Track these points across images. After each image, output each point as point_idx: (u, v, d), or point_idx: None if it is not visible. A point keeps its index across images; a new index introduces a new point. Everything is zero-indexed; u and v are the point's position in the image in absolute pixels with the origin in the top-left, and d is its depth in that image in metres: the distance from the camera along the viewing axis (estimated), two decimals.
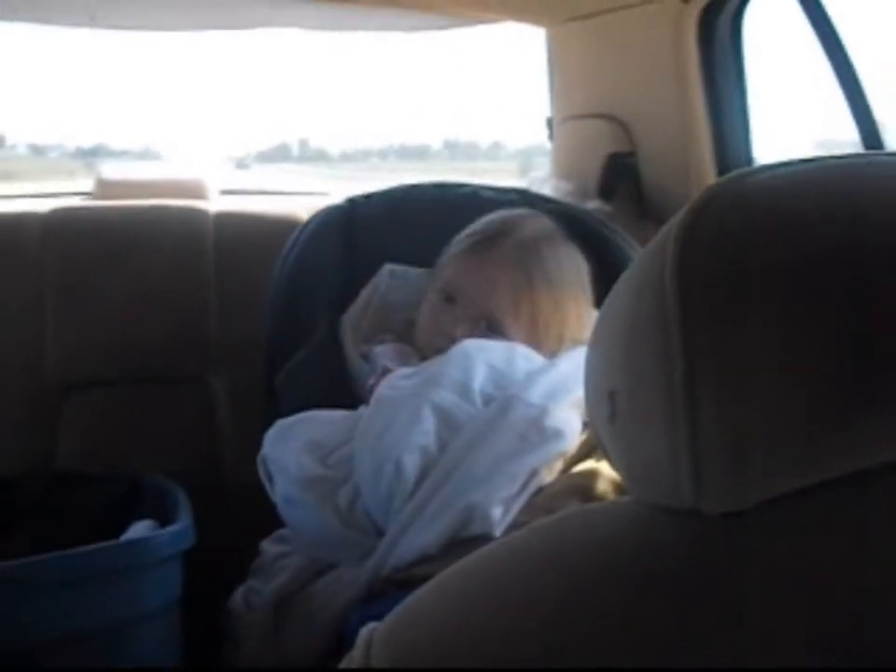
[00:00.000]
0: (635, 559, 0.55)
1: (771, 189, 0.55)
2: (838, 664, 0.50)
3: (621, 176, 2.01)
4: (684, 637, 0.51)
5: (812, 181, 0.56)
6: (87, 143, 3.59)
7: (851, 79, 1.52)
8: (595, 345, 0.61)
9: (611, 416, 0.58)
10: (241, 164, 3.53)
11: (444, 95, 3.52)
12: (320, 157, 4.06)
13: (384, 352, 1.46)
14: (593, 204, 1.95)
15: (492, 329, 1.43)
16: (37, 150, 3.66)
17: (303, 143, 4.05)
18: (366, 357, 1.48)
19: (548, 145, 2.30)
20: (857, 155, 0.60)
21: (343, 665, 0.57)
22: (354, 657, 0.56)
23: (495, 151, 3.94)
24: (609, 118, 2.04)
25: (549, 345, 1.44)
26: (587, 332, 1.43)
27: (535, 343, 1.43)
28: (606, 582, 0.54)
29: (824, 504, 0.54)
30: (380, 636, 0.57)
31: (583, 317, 1.46)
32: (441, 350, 1.39)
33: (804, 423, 0.51)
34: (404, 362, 1.43)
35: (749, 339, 0.51)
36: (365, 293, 1.56)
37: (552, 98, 2.28)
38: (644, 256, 0.56)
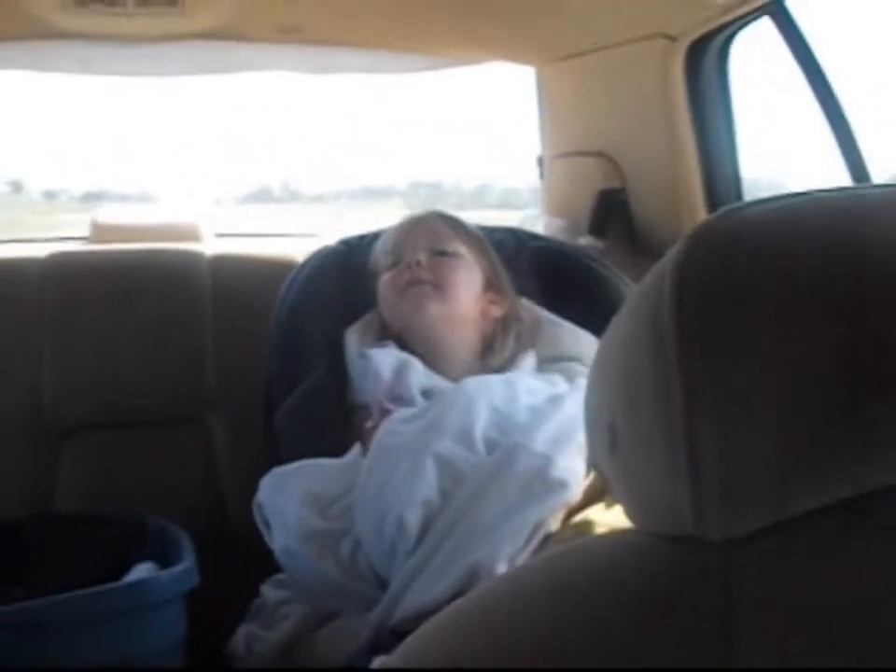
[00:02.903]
0: (633, 582, 0.56)
1: (765, 221, 0.56)
2: None
3: (612, 212, 2.03)
4: (676, 654, 0.52)
5: (805, 213, 0.57)
6: (92, 187, 3.67)
7: (837, 113, 1.54)
8: (594, 379, 0.62)
9: (612, 448, 0.59)
10: (219, 205, 3.62)
11: (413, 137, 3.63)
12: (296, 198, 4.10)
13: (381, 358, 1.47)
14: (585, 241, 1.97)
15: (443, 254, 1.52)
16: (49, 195, 3.78)
17: (285, 184, 4.10)
18: (364, 356, 1.50)
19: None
20: (847, 188, 0.61)
21: None
22: None
23: (457, 192, 4.04)
24: (599, 155, 2.07)
25: (503, 289, 1.56)
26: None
27: (485, 267, 1.56)
28: (604, 604, 0.55)
29: (818, 529, 0.54)
30: (392, 663, 0.58)
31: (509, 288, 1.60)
32: (408, 311, 1.50)
33: (802, 453, 0.52)
34: (401, 375, 1.44)
35: (746, 371, 0.52)
36: (370, 314, 1.59)
37: (542, 136, 2.30)
38: (640, 290, 0.57)
